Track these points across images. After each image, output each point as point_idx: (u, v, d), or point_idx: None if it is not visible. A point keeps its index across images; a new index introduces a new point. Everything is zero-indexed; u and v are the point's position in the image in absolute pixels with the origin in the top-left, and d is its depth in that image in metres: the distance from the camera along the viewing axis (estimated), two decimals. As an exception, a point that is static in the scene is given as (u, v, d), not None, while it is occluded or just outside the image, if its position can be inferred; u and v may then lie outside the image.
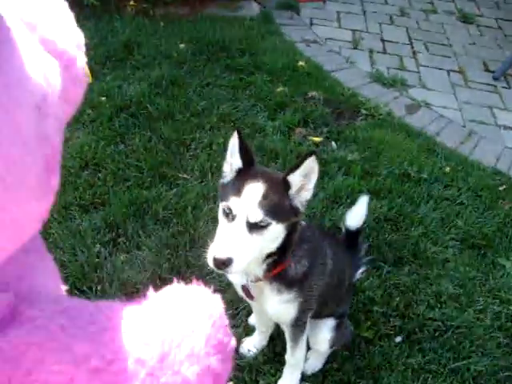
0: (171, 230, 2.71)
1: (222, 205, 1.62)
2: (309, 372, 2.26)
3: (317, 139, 3.49)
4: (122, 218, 2.72)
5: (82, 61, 0.71)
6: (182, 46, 4.02)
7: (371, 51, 4.57)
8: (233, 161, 1.66)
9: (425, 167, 3.43)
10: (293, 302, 1.83)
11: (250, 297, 1.85)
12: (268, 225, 1.55)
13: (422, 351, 2.44)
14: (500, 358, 2.49)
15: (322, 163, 3.27)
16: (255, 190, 1.56)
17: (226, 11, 4.52)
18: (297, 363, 2.15)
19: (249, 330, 2.39)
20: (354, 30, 4.81)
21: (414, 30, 5.00)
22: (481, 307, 2.69)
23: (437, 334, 2.52)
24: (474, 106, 4.21)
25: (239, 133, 1.61)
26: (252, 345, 2.30)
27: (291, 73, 4.00)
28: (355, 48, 4.57)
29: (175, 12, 4.35)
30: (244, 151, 1.63)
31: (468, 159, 3.65)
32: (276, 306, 1.84)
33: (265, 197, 1.55)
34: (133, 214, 2.76)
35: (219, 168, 3.02)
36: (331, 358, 2.31)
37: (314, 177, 1.59)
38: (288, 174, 1.59)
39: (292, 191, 1.60)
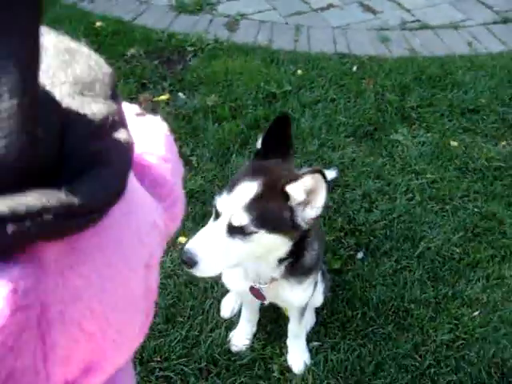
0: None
1: (215, 197, 1.50)
2: (308, 329, 2.25)
3: (164, 97, 3.31)
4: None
5: (183, 196, 0.70)
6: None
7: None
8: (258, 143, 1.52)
9: (281, 79, 3.44)
10: (311, 284, 1.79)
11: (262, 298, 1.76)
12: (254, 232, 1.43)
13: (386, 254, 2.56)
14: (444, 224, 2.71)
15: (186, 119, 3.14)
16: (247, 190, 1.43)
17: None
18: (301, 330, 2.14)
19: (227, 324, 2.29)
20: (126, -34, 4.49)
21: None
22: (405, 188, 2.87)
23: (387, 231, 2.65)
24: (284, 0, 4.26)
25: (283, 119, 1.48)
26: (243, 337, 2.22)
27: (95, 38, 3.66)
28: (139, -15, 4.29)
29: None
30: (270, 137, 1.49)
31: (311, 54, 3.73)
32: (297, 296, 1.78)
33: (255, 201, 1.42)
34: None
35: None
36: (319, 307, 2.32)
37: (322, 197, 1.43)
38: (287, 183, 1.43)
39: (292, 203, 1.46)
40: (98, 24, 3.79)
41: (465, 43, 3.95)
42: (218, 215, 1.47)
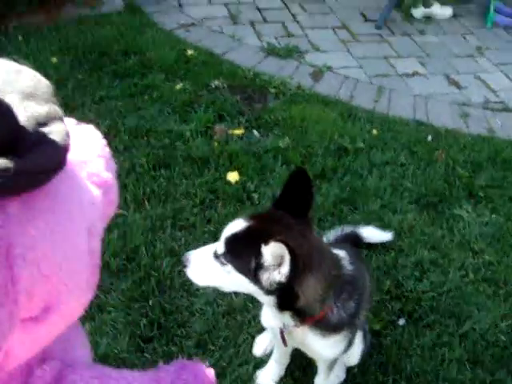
0: (131, 279, 2.50)
1: None
2: (336, 386, 2.23)
3: (238, 132, 3.41)
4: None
5: (116, 186, 0.93)
6: (54, 60, 3.68)
7: (252, 23, 4.53)
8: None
9: (356, 136, 3.49)
10: (342, 341, 1.78)
11: (284, 342, 1.77)
12: (226, 264, 1.55)
13: (428, 327, 2.51)
14: (494, 308, 2.64)
15: (256, 156, 3.22)
16: (237, 226, 1.55)
17: (86, 10, 4.19)
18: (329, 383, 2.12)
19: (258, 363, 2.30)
20: (226, 4, 4.71)
21: (284, -8, 5.01)
22: (459, 264, 2.82)
23: (434, 304, 2.61)
24: (371, 60, 4.36)
25: (301, 173, 1.52)
26: (270, 378, 2.22)
27: (185, 65, 3.84)
28: (236, 23, 4.49)
29: (30, 21, 3.95)
30: (288, 190, 1.53)
31: (389, 116, 3.77)
32: (323, 349, 1.78)
33: (235, 239, 1.54)
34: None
35: (154, 191, 2.89)
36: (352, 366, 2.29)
37: (285, 267, 1.42)
38: (264, 241, 1.43)
39: (262, 261, 1.46)
40: (190, 52, 3.96)
41: (546, 132, 3.89)
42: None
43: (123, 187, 2.93)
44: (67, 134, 0.68)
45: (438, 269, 2.79)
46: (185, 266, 1.65)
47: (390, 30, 4.78)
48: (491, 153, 3.57)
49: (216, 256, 1.58)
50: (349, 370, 2.28)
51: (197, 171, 3.06)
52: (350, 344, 1.86)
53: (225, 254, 1.55)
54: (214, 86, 3.70)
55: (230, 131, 3.39)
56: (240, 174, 3.08)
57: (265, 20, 4.60)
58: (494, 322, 2.58)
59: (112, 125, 3.27)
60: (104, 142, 1.00)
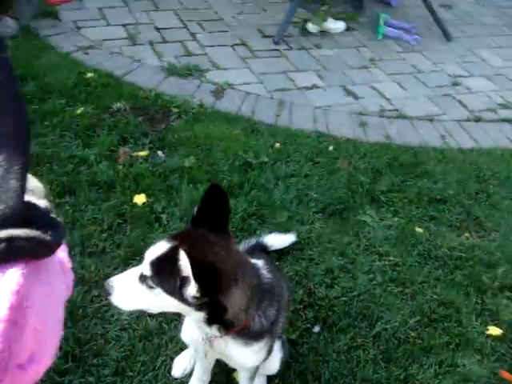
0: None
1: None
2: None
3: (143, 153, 3.40)
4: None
5: (73, 275, 0.99)
6: None
7: (152, 43, 4.54)
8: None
9: (259, 150, 3.57)
10: (263, 349, 1.82)
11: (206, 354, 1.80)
12: (154, 287, 1.55)
13: (343, 331, 2.61)
14: (402, 307, 2.78)
15: (162, 177, 3.22)
16: (160, 248, 1.54)
17: (-26, 36, 4.03)
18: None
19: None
20: (124, 25, 4.69)
21: (181, 12, 5.06)
22: (367, 268, 2.95)
23: (346, 308, 2.71)
24: (271, 75, 4.47)
25: (215, 189, 1.54)
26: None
27: (85, 88, 3.78)
28: (135, 44, 4.48)
29: None
30: (205, 208, 1.56)
31: (291, 129, 3.89)
32: (245, 357, 1.80)
33: (160, 260, 1.53)
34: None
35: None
36: (271, 376, 2.34)
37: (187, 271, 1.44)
38: (196, 258, 1.44)
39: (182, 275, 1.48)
40: (90, 75, 3.91)
41: (438, 136, 4.16)
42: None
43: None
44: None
45: (348, 274, 2.90)
46: (109, 294, 1.62)
47: (287, 44, 4.94)
48: (389, 159, 3.76)
49: (142, 280, 1.57)
50: (269, 380, 2.32)
51: (103, 196, 3.03)
52: (269, 352, 1.90)
53: (152, 277, 1.53)
54: (115, 109, 3.67)
55: (135, 153, 3.38)
56: (147, 195, 3.07)
57: (164, 40, 4.62)
58: (404, 319, 2.71)
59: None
60: None
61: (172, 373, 2.31)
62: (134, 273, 1.61)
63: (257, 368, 2.01)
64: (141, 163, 3.31)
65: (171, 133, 3.60)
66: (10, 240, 0.65)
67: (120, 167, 3.23)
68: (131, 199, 3.02)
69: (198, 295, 1.46)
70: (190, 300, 1.50)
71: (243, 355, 1.80)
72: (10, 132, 0.68)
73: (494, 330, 2.79)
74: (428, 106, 4.52)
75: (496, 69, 5.27)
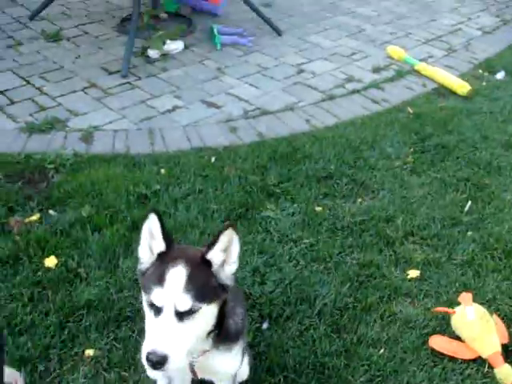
0: None
1: (145, 298, 1.58)
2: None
3: (35, 218, 3.27)
4: None
5: None
6: None
7: (0, 108, 4.34)
8: (154, 244, 1.61)
9: (148, 180, 3.57)
10: (240, 350, 1.88)
11: (195, 374, 1.81)
12: (198, 309, 1.54)
13: (289, 319, 2.73)
14: (330, 280, 2.94)
15: (64, 234, 3.13)
16: (178, 276, 1.53)
17: None
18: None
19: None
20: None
21: (19, 69, 4.88)
22: (288, 256, 3.10)
23: (284, 298, 2.83)
24: (131, 108, 4.47)
25: (158, 214, 1.55)
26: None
27: None
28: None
29: None
30: (164, 233, 1.58)
31: (170, 153, 3.93)
32: (228, 364, 1.84)
33: (189, 282, 1.52)
34: None
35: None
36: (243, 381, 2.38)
37: (235, 249, 1.61)
38: (207, 251, 1.59)
39: (214, 268, 1.61)
40: None
41: (303, 121, 4.41)
42: (158, 310, 1.53)
43: None
44: None
45: (273, 268, 3.01)
46: (161, 365, 1.47)
47: (135, 75, 4.95)
48: (270, 153, 3.94)
49: (180, 318, 1.50)
50: (242, 387, 2.37)
51: (11, 271, 2.88)
52: (243, 354, 1.96)
53: (194, 302, 1.50)
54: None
55: (26, 219, 3.24)
56: (56, 256, 2.97)
57: (12, 101, 4.44)
58: (337, 290, 2.89)
59: None
60: None
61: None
62: (166, 324, 1.50)
63: (235, 376, 2.06)
64: (37, 227, 3.18)
65: (55, 189, 3.49)
66: None
67: (18, 237, 3.08)
68: (42, 265, 2.90)
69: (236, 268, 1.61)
70: (229, 282, 1.63)
71: (226, 361, 1.85)
72: None
73: (413, 273, 3.05)
74: (284, 98, 4.77)
75: (329, 49, 5.69)
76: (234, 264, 1.64)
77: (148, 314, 1.57)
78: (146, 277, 1.63)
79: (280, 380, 2.41)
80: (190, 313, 1.52)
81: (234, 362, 1.89)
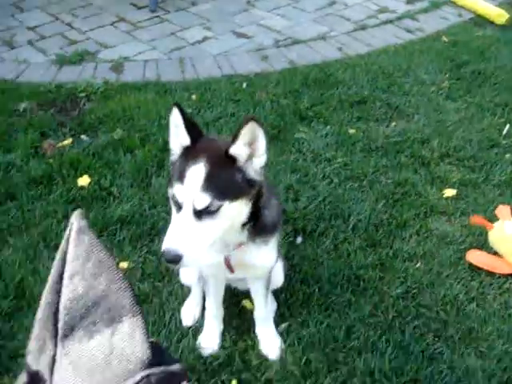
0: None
1: (169, 191, 1.53)
2: (273, 315, 2.25)
3: (67, 142, 3.24)
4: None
5: None
6: None
7: (31, 43, 4.29)
8: (180, 139, 1.55)
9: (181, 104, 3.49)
10: (276, 244, 1.83)
11: (231, 269, 1.76)
12: (220, 207, 1.48)
13: (323, 234, 2.66)
14: (364, 198, 2.85)
15: (97, 156, 3.09)
16: (197, 173, 1.47)
17: None
18: (268, 314, 2.15)
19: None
20: (-5, 33, 4.40)
21: (48, 7, 4.80)
22: (322, 175, 3.01)
23: (317, 214, 2.76)
24: (160, 40, 4.38)
25: (180, 107, 1.50)
26: (212, 338, 2.18)
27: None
28: (14, 48, 4.23)
29: None
30: (190, 126, 1.52)
31: (200, 79, 3.84)
32: (265, 257, 1.80)
33: (209, 179, 1.46)
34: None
35: (11, 225, 2.64)
36: (278, 290, 2.33)
37: (262, 141, 1.51)
38: (229, 146, 1.50)
39: (240, 163, 1.52)
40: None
41: (335, 50, 4.26)
42: (179, 206, 1.48)
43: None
44: None
45: (307, 185, 2.94)
46: (176, 262, 1.45)
47: (164, 9, 4.83)
48: (302, 79, 3.82)
49: (199, 216, 1.46)
50: (277, 297, 2.32)
51: (45, 190, 2.86)
52: (278, 252, 1.91)
53: (213, 199, 1.45)
54: (22, 110, 3.46)
55: (59, 144, 3.21)
56: (89, 176, 2.94)
57: (42, 36, 4.38)
58: (372, 207, 2.80)
59: None
60: None
61: (183, 323, 2.26)
62: (183, 221, 1.46)
63: (269, 277, 2.00)
64: (70, 150, 3.15)
65: (87, 116, 3.45)
66: (147, 376, 0.71)
67: (51, 160, 3.06)
68: (75, 184, 2.88)
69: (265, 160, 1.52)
70: (258, 177, 1.53)
71: (262, 255, 1.80)
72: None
73: (450, 192, 2.94)
74: (316, 28, 4.61)
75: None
76: (262, 156, 1.55)
77: (172, 209, 1.53)
78: (173, 169, 1.57)
79: (315, 290, 2.36)
80: (211, 212, 1.46)
81: (270, 255, 1.83)
